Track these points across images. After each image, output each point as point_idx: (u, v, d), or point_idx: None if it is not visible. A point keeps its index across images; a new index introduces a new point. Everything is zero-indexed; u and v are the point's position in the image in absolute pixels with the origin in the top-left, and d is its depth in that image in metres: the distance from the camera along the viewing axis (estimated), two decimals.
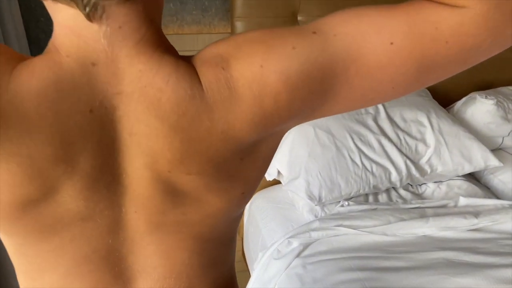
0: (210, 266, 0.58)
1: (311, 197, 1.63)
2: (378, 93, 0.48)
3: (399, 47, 0.44)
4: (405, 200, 1.77)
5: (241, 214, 0.60)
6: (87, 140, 0.44)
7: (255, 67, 0.45)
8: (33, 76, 0.42)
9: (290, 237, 1.54)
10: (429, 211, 1.64)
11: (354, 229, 1.52)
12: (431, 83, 0.48)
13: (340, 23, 0.45)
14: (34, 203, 0.45)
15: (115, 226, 0.50)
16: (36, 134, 0.42)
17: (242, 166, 0.50)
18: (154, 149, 0.45)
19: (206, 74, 0.45)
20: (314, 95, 0.47)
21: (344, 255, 1.45)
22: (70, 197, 0.46)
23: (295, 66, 0.45)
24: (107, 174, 0.46)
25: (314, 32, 0.45)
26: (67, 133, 0.43)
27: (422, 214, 1.61)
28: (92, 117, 0.44)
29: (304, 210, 1.70)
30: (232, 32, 1.79)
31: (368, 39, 0.44)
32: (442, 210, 1.65)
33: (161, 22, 0.48)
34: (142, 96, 0.44)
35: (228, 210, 0.54)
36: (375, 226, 1.54)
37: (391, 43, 0.44)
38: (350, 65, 0.45)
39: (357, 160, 1.69)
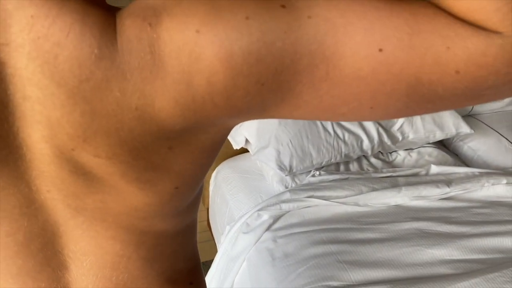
0: (154, 259, 0.50)
1: (281, 167, 1.55)
2: (352, 109, 0.37)
3: (388, 57, 0.33)
4: (376, 169, 1.72)
5: (189, 208, 0.50)
6: None
7: (190, 32, 0.33)
8: None
9: (260, 209, 1.47)
10: (401, 180, 1.60)
11: (326, 199, 1.46)
12: (423, 113, 0.38)
13: (322, 3, 0.34)
14: None
15: (27, 207, 0.41)
16: None
17: (171, 156, 0.40)
18: (51, 120, 0.36)
19: (127, 31, 0.34)
20: (264, 89, 0.35)
21: (316, 227, 1.39)
22: None
23: (243, 42, 0.33)
24: (1, 147, 0.37)
25: (283, 6, 0.34)
26: None
27: (394, 183, 1.57)
28: None
29: (273, 180, 1.63)
30: None
31: (351, 35, 0.33)
32: (414, 179, 1.61)
33: None
34: (35, 50, 0.34)
35: (160, 206, 0.45)
36: (347, 196, 1.48)
37: (380, 50, 0.32)
38: (320, 63, 0.34)
39: (329, 128, 1.62)
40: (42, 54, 0.34)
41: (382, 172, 1.65)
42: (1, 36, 0.34)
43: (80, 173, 0.39)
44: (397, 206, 1.52)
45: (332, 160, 1.62)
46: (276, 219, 1.44)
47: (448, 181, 1.58)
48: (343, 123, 1.64)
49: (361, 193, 1.49)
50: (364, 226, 1.40)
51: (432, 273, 1.24)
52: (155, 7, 0.35)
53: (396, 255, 1.29)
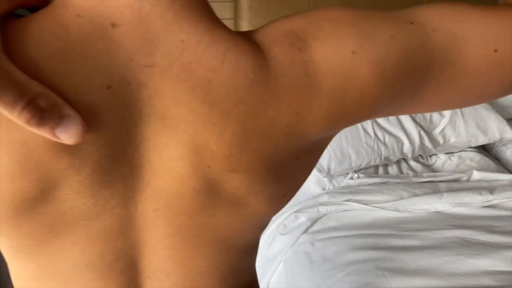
0: (230, 274, 0.50)
1: (319, 169, 1.54)
2: (463, 99, 0.43)
3: (502, 56, 0.39)
4: (415, 173, 1.69)
5: (269, 220, 0.51)
6: (101, 124, 0.35)
7: (345, 53, 0.37)
8: (30, 43, 0.32)
9: (297, 211, 1.46)
10: (442, 185, 1.56)
11: (365, 204, 1.44)
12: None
13: (438, 17, 0.40)
14: (29, 201, 0.36)
15: (126, 227, 0.41)
16: None
17: (295, 166, 0.42)
18: (196, 139, 0.37)
19: (278, 56, 0.37)
20: (402, 95, 0.40)
21: (354, 232, 1.37)
22: (76, 194, 0.37)
23: (393, 58, 0.38)
24: (124, 166, 0.38)
25: (411, 22, 0.39)
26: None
27: (435, 189, 1.54)
28: (110, 95, 0.34)
29: (310, 181, 1.61)
30: (236, 2, 1.63)
31: (470, 42, 0.39)
32: (456, 185, 1.57)
33: None
34: (185, 73, 0.35)
35: (264, 215, 0.46)
36: (386, 201, 1.46)
37: (495, 51, 0.39)
38: (446, 68, 0.39)
39: (370, 130, 1.59)
40: (194, 77, 0.35)
41: (422, 176, 1.61)
42: (145, 58, 0.34)
43: (204, 190, 0.40)
44: (438, 212, 1.48)
45: (372, 162, 1.59)
46: (314, 221, 1.43)
47: (491, 188, 1.54)
48: (384, 125, 1.61)
49: (401, 198, 1.46)
50: (404, 233, 1.38)
51: (474, 284, 1.21)
52: (296, 33, 0.38)
53: (437, 264, 1.26)
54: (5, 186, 0.35)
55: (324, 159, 1.55)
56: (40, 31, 0.32)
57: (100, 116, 0.34)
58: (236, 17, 1.65)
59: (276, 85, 0.37)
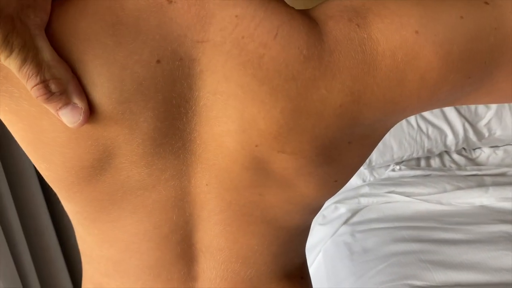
0: (281, 254, 0.50)
1: None
2: None
3: None
4: (459, 166, 1.64)
5: (323, 203, 0.51)
6: (149, 97, 0.36)
7: (408, 32, 0.35)
8: (82, 17, 0.34)
9: (337, 201, 1.45)
10: (488, 179, 1.52)
11: (407, 196, 1.41)
12: None
13: None
14: (88, 168, 0.39)
15: (181, 200, 0.42)
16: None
17: (347, 151, 0.41)
18: (244, 116, 0.37)
19: (334, 31, 0.35)
20: (469, 81, 0.37)
21: (396, 224, 1.36)
22: (130, 163, 0.39)
23: (460, 41, 0.35)
24: (175, 139, 0.39)
25: (486, 3, 0.36)
26: (122, 88, 0.35)
27: (480, 182, 1.50)
28: (159, 69, 0.35)
29: None
30: None
31: None
32: (502, 179, 1.53)
33: None
34: (237, 49, 0.35)
35: (313, 199, 0.45)
36: (429, 194, 1.43)
37: None
38: None
39: (412, 121, 1.56)
40: (246, 53, 0.35)
41: (466, 170, 1.57)
42: (198, 33, 0.34)
43: (252, 167, 0.40)
44: (483, 206, 1.44)
45: (414, 154, 1.56)
46: (354, 213, 1.41)
47: None
48: (428, 117, 1.57)
49: (445, 191, 1.43)
50: (448, 226, 1.35)
51: None
52: (355, 8, 0.36)
53: (483, 258, 1.23)
54: (64, 152, 0.37)
55: None
56: (96, 6, 0.34)
57: (147, 88, 0.35)
58: None
59: (330, 61, 0.35)
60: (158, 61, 0.35)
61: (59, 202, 0.46)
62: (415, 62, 0.35)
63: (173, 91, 0.36)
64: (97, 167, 0.39)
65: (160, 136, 0.38)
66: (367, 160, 1.52)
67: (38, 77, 0.32)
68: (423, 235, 1.31)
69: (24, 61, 0.31)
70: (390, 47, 0.35)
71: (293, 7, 0.37)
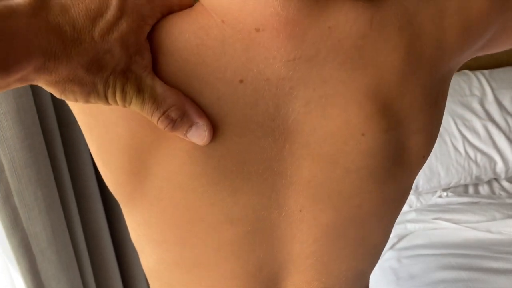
0: (359, 278, 0.49)
1: None
2: None
3: None
4: (509, 194, 1.61)
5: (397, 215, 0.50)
6: (228, 115, 0.36)
7: None
8: (169, 38, 0.35)
9: None
10: None
11: (455, 223, 1.40)
12: None
13: None
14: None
15: (269, 235, 0.41)
16: None
17: (430, 115, 0.41)
18: (348, 108, 0.37)
19: None
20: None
21: (443, 251, 1.34)
22: (212, 185, 0.38)
23: None
24: (262, 159, 0.38)
25: None
26: (200, 101, 0.36)
27: None
28: (241, 88, 0.35)
29: None
30: None
31: None
32: None
33: None
34: (333, 52, 0.35)
35: (405, 184, 0.44)
36: (478, 221, 1.41)
37: None
38: None
39: (460, 148, 1.55)
40: (343, 52, 0.35)
41: None
42: (289, 53, 0.35)
43: (354, 167, 0.39)
44: None
45: (461, 181, 1.55)
46: (401, 238, 1.41)
47: None
48: (476, 143, 1.55)
49: (494, 219, 1.41)
50: (498, 255, 1.32)
51: None
52: None
53: None
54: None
55: None
56: (181, 30, 0.35)
57: (227, 106, 0.36)
58: None
59: (417, 22, 0.37)
60: (240, 81, 0.35)
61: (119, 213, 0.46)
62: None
63: (255, 110, 0.36)
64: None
65: (242, 154, 0.37)
66: (414, 186, 1.52)
67: (158, 111, 0.34)
68: (471, 263, 1.29)
69: (143, 103, 0.34)
70: None
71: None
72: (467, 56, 0.42)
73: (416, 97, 0.38)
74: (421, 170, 1.52)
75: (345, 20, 0.35)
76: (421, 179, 1.51)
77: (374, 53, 0.36)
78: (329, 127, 0.37)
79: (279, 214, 0.40)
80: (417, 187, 1.52)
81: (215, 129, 0.36)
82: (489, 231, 1.40)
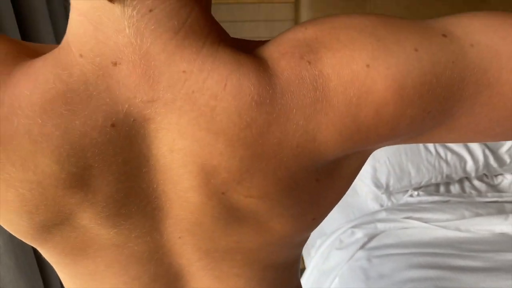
0: (269, 271, 0.48)
1: (377, 185, 1.52)
2: (504, 129, 0.37)
3: None
4: (479, 192, 1.63)
5: (309, 235, 0.50)
6: (109, 161, 0.35)
7: (358, 66, 0.33)
8: (36, 87, 0.33)
9: (354, 226, 1.45)
10: (509, 206, 1.50)
11: (425, 222, 1.41)
12: None
13: (481, 30, 0.34)
14: (57, 227, 0.39)
15: (156, 253, 0.43)
16: (42, 158, 0.34)
17: (316, 189, 0.39)
18: (205, 169, 0.36)
19: (285, 72, 0.34)
20: (429, 116, 0.35)
21: (413, 250, 1.35)
22: (97, 225, 0.39)
23: (415, 74, 0.33)
24: (140, 198, 0.38)
25: (444, 35, 0.34)
26: (81, 154, 0.35)
27: (500, 209, 1.48)
28: (115, 133, 0.35)
29: (368, 197, 1.60)
30: (297, 3, 1.66)
31: None
32: None
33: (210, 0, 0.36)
34: (188, 104, 0.34)
35: (293, 237, 0.44)
36: (448, 220, 1.42)
37: None
38: (484, 90, 0.34)
39: (431, 147, 1.56)
40: (197, 107, 0.34)
41: (486, 196, 1.55)
42: (147, 93, 0.34)
43: (222, 217, 0.39)
44: (503, 234, 1.42)
45: (432, 180, 1.56)
46: (371, 238, 1.41)
47: None
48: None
49: (464, 217, 1.42)
50: (466, 253, 1.33)
51: None
52: (308, 42, 0.35)
53: (502, 287, 1.21)
54: (33, 217, 0.38)
55: (382, 175, 1.53)
56: (46, 75, 0.34)
57: (106, 153, 0.35)
58: (296, 18, 1.65)
59: (282, 104, 0.34)
60: (112, 125, 0.34)
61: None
62: (369, 97, 0.34)
63: (132, 152, 0.36)
64: (66, 225, 0.39)
65: (123, 197, 0.38)
66: (384, 185, 1.52)
67: None
68: (440, 262, 1.30)
69: None
70: (341, 82, 0.34)
71: (243, 52, 0.36)
72: (398, 142, 0.40)
73: (269, 188, 0.37)
74: (392, 170, 1.53)
75: (200, 69, 0.33)
76: (391, 179, 1.52)
77: (226, 122, 0.34)
78: (192, 181, 0.37)
79: (161, 238, 0.42)
80: (387, 186, 1.53)
81: (99, 180, 0.36)
82: (458, 229, 1.41)
